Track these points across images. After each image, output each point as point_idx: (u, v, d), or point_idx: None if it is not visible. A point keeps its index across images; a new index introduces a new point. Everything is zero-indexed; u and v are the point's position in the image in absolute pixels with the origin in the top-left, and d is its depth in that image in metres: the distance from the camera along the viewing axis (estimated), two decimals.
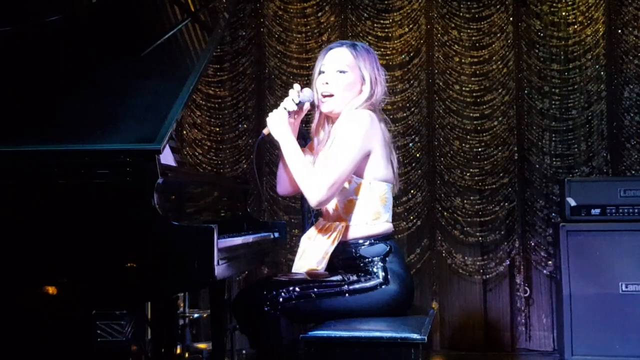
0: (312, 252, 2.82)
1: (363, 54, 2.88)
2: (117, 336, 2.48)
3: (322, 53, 2.94)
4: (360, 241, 2.80)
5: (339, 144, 2.73)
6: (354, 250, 2.80)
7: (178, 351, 4.48)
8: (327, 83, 2.85)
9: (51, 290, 2.53)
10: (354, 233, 2.81)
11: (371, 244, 2.79)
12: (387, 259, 2.77)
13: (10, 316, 2.80)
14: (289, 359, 2.71)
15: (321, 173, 2.70)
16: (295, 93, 2.87)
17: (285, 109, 2.84)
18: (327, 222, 2.88)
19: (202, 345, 4.62)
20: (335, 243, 2.79)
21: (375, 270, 2.75)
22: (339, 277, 2.77)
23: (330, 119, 2.94)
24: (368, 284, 2.73)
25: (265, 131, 2.88)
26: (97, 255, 2.47)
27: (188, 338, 4.60)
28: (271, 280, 2.82)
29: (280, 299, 2.68)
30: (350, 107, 2.84)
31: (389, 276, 2.74)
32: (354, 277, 2.75)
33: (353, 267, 2.79)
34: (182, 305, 4.63)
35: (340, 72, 2.85)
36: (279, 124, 2.82)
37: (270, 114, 2.86)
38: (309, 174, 2.73)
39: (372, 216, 2.81)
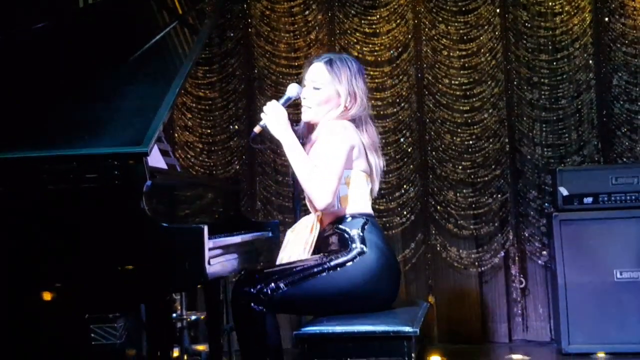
0: (294, 244, 2.93)
1: (338, 70, 2.97)
2: (111, 339, 2.50)
3: (305, 66, 3.09)
4: (339, 220, 2.90)
5: (324, 152, 2.86)
6: (334, 227, 2.90)
7: (176, 353, 4.49)
8: (305, 98, 3.01)
9: (44, 295, 2.54)
10: (332, 216, 2.92)
11: (351, 220, 2.88)
12: (365, 229, 2.85)
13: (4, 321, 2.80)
14: (275, 352, 2.75)
15: (323, 180, 2.82)
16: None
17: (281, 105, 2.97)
18: (308, 214, 2.99)
19: (200, 347, 4.62)
20: (314, 231, 2.91)
21: (354, 242, 2.83)
22: (319, 258, 2.85)
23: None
24: (347, 257, 2.80)
25: (256, 129, 2.93)
26: (88, 259, 2.49)
27: (186, 340, 4.60)
28: (256, 274, 2.84)
29: (265, 291, 2.72)
30: (328, 118, 2.98)
31: (366, 246, 2.82)
32: (334, 255, 2.83)
33: (334, 244, 2.88)
34: (179, 307, 4.63)
35: (315, 88, 2.98)
36: (281, 123, 2.92)
37: (266, 111, 2.93)
38: (315, 180, 2.83)
39: (352, 201, 2.92)
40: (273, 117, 2.92)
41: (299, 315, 3.46)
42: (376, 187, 3.04)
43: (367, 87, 3.04)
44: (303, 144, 3.00)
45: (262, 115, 2.97)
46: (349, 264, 2.79)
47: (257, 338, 2.74)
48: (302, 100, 3.02)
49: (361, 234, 2.84)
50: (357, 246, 2.82)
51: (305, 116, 3.03)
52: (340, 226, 2.88)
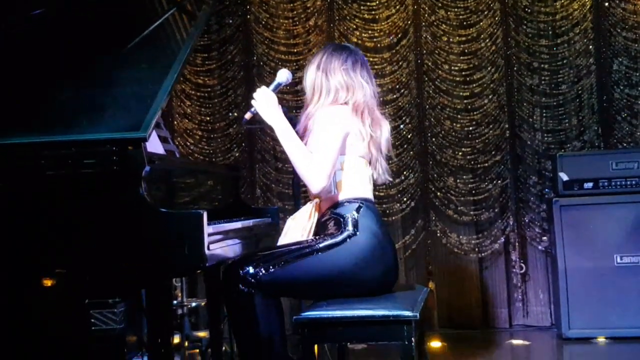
0: (293, 230, 2.94)
1: (307, 69, 3.06)
2: (112, 324, 2.49)
3: None
4: (337, 204, 2.91)
5: (320, 136, 2.88)
6: (330, 212, 2.90)
7: (177, 340, 4.50)
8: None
9: (44, 281, 2.54)
10: (329, 202, 2.93)
11: (347, 203, 2.89)
12: (358, 213, 2.85)
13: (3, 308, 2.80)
14: (267, 341, 2.73)
15: (317, 163, 2.83)
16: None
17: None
18: (308, 200, 3.01)
19: (201, 334, 4.64)
20: (313, 218, 2.92)
21: (347, 225, 2.83)
22: (310, 240, 2.86)
23: None
24: (337, 239, 2.81)
25: (247, 116, 2.95)
26: (88, 245, 2.48)
27: (187, 327, 4.61)
28: (245, 257, 2.85)
29: (254, 272, 2.71)
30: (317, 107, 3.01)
31: (358, 228, 2.81)
32: (324, 237, 2.83)
33: (331, 229, 2.87)
34: (180, 294, 4.64)
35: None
36: (272, 108, 2.95)
37: (256, 97, 2.94)
38: (309, 163, 2.84)
39: (347, 186, 2.92)
40: (263, 103, 2.94)
41: (290, 297, 3.46)
42: (382, 177, 3.03)
43: (360, 77, 3.00)
44: (302, 136, 3.02)
45: (252, 101, 2.98)
46: (339, 246, 2.79)
47: (246, 320, 2.74)
48: None
49: (355, 217, 2.83)
50: (349, 229, 2.82)
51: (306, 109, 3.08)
52: (336, 210, 2.89)
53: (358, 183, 2.94)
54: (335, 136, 2.86)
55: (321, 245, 2.79)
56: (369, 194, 2.97)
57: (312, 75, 3.01)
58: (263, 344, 2.72)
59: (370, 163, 2.99)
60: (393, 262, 2.91)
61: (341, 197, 2.91)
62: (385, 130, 3.02)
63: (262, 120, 2.97)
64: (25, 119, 2.81)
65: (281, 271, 2.74)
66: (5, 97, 2.95)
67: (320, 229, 2.94)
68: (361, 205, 2.88)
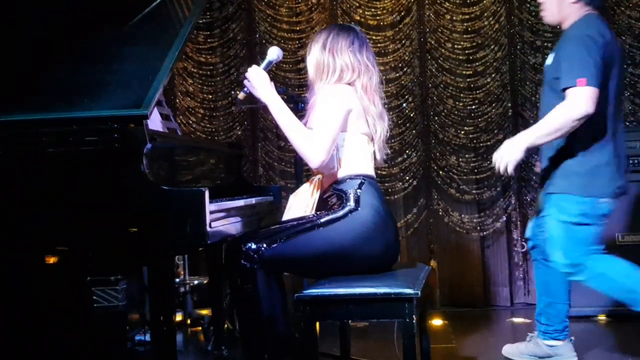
0: (296, 207, 2.95)
1: (310, 49, 3.04)
2: (113, 301, 2.51)
3: None
4: (339, 180, 2.92)
5: (321, 111, 2.88)
6: (332, 188, 2.92)
7: (179, 318, 4.53)
8: None
9: (45, 258, 2.55)
10: (332, 178, 2.94)
11: (349, 180, 2.90)
12: (360, 189, 2.87)
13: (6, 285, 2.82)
14: (269, 317, 2.74)
15: (317, 137, 2.83)
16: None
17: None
18: (311, 177, 3.02)
19: (203, 312, 4.66)
20: (315, 194, 2.93)
21: (348, 201, 2.85)
22: (311, 215, 2.87)
23: None
24: (338, 214, 2.82)
25: (240, 96, 2.97)
26: (89, 222, 2.49)
27: (189, 305, 4.63)
28: (248, 233, 2.86)
29: (256, 248, 2.71)
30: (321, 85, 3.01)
31: (359, 203, 2.83)
32: (325, 212, 2.85)
33: (332, 204, 2.90)
34: (182, 272, 4.66)
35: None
36: (264, 86, 2.95)
37: (248, 76, 2.97)
38: (306, 139, 2.85)
39: (350, 163, 2.93)
40: (256, 82, 2.95)
41: (292, 273, 3.46)
42: (380, 155, 3.04)
43: (366, 59, 3.00)
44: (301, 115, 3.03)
45: (244, 82, 3.00)
46: (340, 221, 2.80)
47: (248, 296, 2.73)
48: None
49: (357, 193, 2.85)
50: (351, 204, 2.83)
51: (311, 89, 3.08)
52: (338, 186, 2.90)
53: (361, 159, 2.95)
54: (336, 111, 2.87)
55: (322, 220, 2.80)
56: (370, 170, 2.98)
57: (317, 54, 3.00)
58: (265, 321, 2.73)
59: (372, 140, 2.99)
60: (394, 238, 2.92)
61: (343, 173, 2.92)
62: (385, 127, 3.03)
63: (256, 99, 2.97)
64: (25, 96, 2.81)
65: (282, 246, 2.74)
66: (5, 74, 2.95)
67: (322, 205, 2.95)
68: (363, 181, 2.89)
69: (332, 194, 2.92)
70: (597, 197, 3.32)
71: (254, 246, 2.71)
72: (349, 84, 2.96)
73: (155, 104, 2.70)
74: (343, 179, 2.91)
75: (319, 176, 2.97)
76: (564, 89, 3.22)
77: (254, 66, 2.99)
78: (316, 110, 2.92)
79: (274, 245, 2.73)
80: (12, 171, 2.57)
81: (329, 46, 2.98)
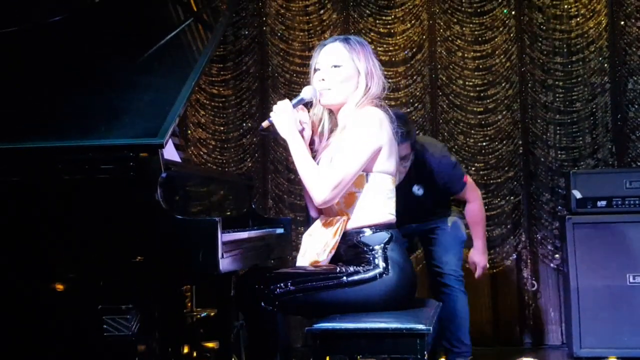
0: (313, 247, 2.81)
1: (356, 47, 2.85)
2: (124, 330, 2.49)
3: (316, 50, 2.94)
4: (362, 230, 2.77)
5: (348, 145, 2.71)
6: (355, 238, 2.77)
7: (186, 350, 4.48)
8: (323, 80, 2.85)
9: (57, 285, 2.54)
10: (355, 223, 2.78)
11: (373, 232, 2.76)
12: (388, 247, 2.73)
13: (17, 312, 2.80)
14: (284, 354, 2.71)
15: (327, 173, 2.70)
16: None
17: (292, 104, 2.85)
18: (329, 217, 2.84)
19: (210, 344, 4.62)
20: (337, 236, 2.76)
21: (376, 259, 2.71)
22: (338, 269, 2.72)
23: (331, 112, 2.94)
24: (368, 275, 2.69)
25: (264, 124, 2.86)
26: (102, 250, 2.49)
27: (196, 337, 4.59)
28: (268, 273, 2.75)
29: (277, 293, 2.65)
30: (351, 102, 2.84)
31: (389, 266, 2.70)
32: (354, 268, 2.71)
33: (355, 256, 2.75)
34: (189, 304, 4.63)
35: (335, 66, 2.83)
36: (287, 121, 2.80)
37: (275, 110, 2.83)
38: (314, 174, 2.72)
39: (374, 207, 2.79)
40: (282, 117, 2.80)
41: (308, 319, 3.42)
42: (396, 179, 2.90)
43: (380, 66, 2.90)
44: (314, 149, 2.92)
45: (271, 113, 2.85)
46: (369, 283, 2.68)
47: (267, 336, 2.69)
48: (320, 84, 2.85)
49: (384, 253, 2.72)
50: (380, 264, 2.70)
51: (325, 99, 2.85)
52: (362, 240, 2.75)
53: (386, 205, 2.81)
54: (364, 146, 2.71)
55: (349, 279, 2.68)
56: (394, 217, 2.84)
57: (364, 60, 2.83)
58: (281, 355, 2.70)
59: (394, 179, 2.86)
60: (415, 289, 2.83)
61: (366, 221, 2.78)
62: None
63: (277, 132, 2.90)
64: (42, 123, 2.82)
65: (305, 296, 2.66)
66: (22, 101, 2.97)
67: (342, 254, 2.80)
68: (391, 236, 2.75)
69: (355, 245, 2.77)
70: None
71: (276, 290, 2.64)
72: (371, 92, 2.82)
73: (171, 134, 2.70)
74: (368, 228, 2.77)
75: (344, 218, 2.79)
76: None
77: (285, 100, 2.85)
78: (346, 136, 2.74)
79: (298, 295, 2.66)
80: (26, 197, 2.57)
81: (373, 57, 2.86)
